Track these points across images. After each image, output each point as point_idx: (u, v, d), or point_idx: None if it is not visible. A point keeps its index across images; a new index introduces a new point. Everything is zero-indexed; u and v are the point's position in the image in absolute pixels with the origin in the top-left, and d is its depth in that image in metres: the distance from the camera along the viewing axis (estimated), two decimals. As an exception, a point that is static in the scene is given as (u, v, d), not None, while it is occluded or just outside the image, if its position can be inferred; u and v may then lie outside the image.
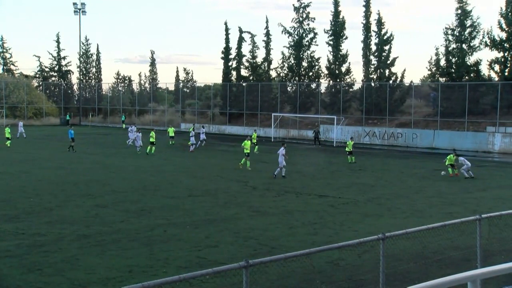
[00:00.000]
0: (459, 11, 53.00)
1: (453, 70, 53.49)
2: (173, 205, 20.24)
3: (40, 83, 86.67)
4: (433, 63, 54.73)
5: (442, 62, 54.56)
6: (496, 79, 51.29)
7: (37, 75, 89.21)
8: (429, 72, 56.45)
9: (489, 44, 51.29)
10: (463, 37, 52.98)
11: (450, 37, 53.71)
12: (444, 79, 54.52)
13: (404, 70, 71.05)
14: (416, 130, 49.40)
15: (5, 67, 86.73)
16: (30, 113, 77.95)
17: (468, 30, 52.90)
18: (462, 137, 45.80)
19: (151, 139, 38.75)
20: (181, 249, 14.11)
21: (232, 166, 33.07)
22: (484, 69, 52.87)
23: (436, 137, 47.05)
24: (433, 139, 47.15)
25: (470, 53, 53.00)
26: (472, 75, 52.56)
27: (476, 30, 52.58)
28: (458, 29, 53.16)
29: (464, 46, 53.00)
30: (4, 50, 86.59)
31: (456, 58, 53.43)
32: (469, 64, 52.92)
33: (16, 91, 77.55)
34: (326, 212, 19.48)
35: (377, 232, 10.15)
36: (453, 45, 53.72)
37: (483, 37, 51.96)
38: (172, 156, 38.30)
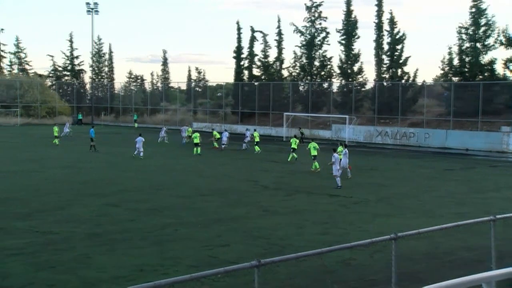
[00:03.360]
0: (474, 10, 52.53)
1: (466, 70, 53.06)
2: (184, 204, 20.26)
3: (53, 83, 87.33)
4: (446, 63, 54.32)
5: (455, 62, 54.12)
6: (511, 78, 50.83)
7: (50, 75, 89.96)
8: (442, 72, 56.05)
9: (504, 42, 50.75)
10: (477, 35, 52.50)
11: (464, 36, 53.24)
12: (457, 78, 54.11)
13: (417, 70, 70.44)
14: (428, 129, 49.08)
15: (20, 67, 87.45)
16: (43, 112, 78.48)
17: (482, 28, 52.39)
18: (475, 137, 45.43)
19: (195, 140, 38.52)
20: (192, 248, 14.12)
21: (242, 165, 33.06)
22: (499, 68, 52.38)
23: (449, 137, 46.72)
24: (445, 139, 46.82)
25: (484, 52, 52.49)
26: (486, 74, 52.09)
27: (491, 29, 52.05)
28: (472, 28, 52.67)
29: (478, 45, 52.52)
30: (19, 50, 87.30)
31: (470, 57, 52.98)
32: (483, 63, 52.46)
33: (30, 90, 78.16)
34: (337, 211, 19.41)
35: (387, 232, 10.09)
36: (467, 44, 53.25)
37: (498, 36, 51.47)
38: (181, 155, 38.35)
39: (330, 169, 26.06)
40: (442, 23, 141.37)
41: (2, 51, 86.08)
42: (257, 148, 40.54)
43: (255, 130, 44.39)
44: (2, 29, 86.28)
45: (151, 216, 18.03)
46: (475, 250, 13.56)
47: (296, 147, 35.42)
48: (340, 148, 28.38)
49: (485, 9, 52.34)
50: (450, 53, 54.00)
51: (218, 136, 45.25)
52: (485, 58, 52.56)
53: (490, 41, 52.20)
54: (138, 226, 16.51)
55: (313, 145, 31.27)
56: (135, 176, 27.83)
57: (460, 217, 17.06)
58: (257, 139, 41.09)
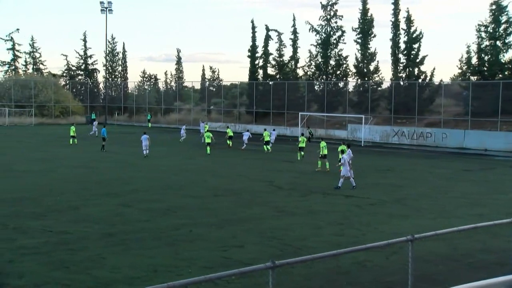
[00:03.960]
0: (494, 7, 52.04)
1: (485, 68, 52.60)
2: (198, 205, 20.32)
3: (67, 82, 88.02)
4: (464, 61, 53.90)
5: (474, 60, 53.69)
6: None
7: (64, 74, 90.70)
8: (460, 71, 55.63)
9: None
10: (497, 33, 51.98)
11: (483, 34, 52.73)
12: (475, 77, 53.66)
13: (434, 69, 70.12)
14: (445, 129, 48.71)
15: (34, 67, 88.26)
16: (57, 111, 79.19)
17: (503, 26, 51.90)
18: (494, 137, 44.99)
19: (207, 140, 39.38)
20: (206, 249, 14.16)
21: (256, 165, 33.08)
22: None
23: (467, 137, 46.32)
24: (463, 139, 46.42)
25: (504, 50, 51.98)
26: (506, 73, 51.57)
27: (512, 26, 51.54)
28: (492, 26, 52.18)
29: (498, 43, 52.04)
30: (34, 50, 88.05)
31: (489, 56, 52.52)
32: (503, 61, 51.97)
33: (44, 90, 78.89)
34: (352, 212, 19.36)
35: (403, 233, 10.05)
36: (486, 42, 52.76)
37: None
38: (195, 155, 38.46)
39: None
40: (460, 21, 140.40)
41: (17, 51, 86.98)
42: (265, 147, 41.20)
43: (265, 129, 44.65)
44: (18, 29, 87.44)
45: (164, 217, 18.12)
46: (495, 253, 13.44)
47: (304, 146, 36.38)
48: (341, 147, 28.42)
49: (506, 6, 51.80)
50: (468, 52, 53.58)
51: (231, 133, 45.66)
52: (505, 57, 52.11)
53: (511, 39, 51.71)
54: (152, 227, 16.59)
55: (323, 144, 31.49)
56: (148, 176, 27.97)
57: (479, 218, 16.96)
58: (267, 139, 41.77)
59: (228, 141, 45.15)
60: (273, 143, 43.96)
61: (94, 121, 60.77)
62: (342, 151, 26.88)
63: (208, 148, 39.19)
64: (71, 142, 45.17)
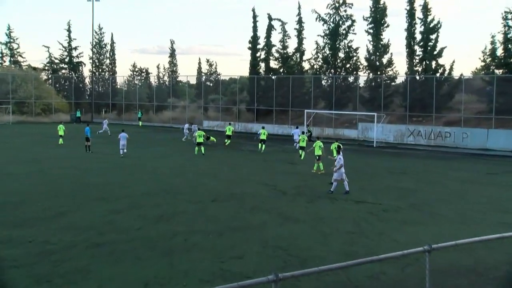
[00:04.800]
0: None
1: (512, 60, 52.57)
2: (195, 211, 20.37)
3: (49, 76, 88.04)
4: (487, 53, 53.90)
5: (499, 52, 53.64)
6: None
7: (46, 68, 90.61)
8: (483, 64, 55.59)
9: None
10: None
11: (510, 22, 52.70)
12: (500, 71, 53.61)
13: (453, 62, 69.49)
14: (466, 129, 48.73)
15: (12, 59, 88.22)
16: (38, 109, 79.17)
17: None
18: (522, 137, 45.03)
19: (199, 139, 40.05)
20: (204, 260, 14.20)
21: (260, 167, 33.15)
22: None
23: (490, 136, 46.36)
24: (486, 139, 46.46)
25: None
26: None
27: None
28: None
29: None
30: (11, 40, 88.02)
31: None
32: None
33: (23, 85, 78.77)
34: (364, 219, 19.39)
35: (421, 243, 10.08)
36: (514, 31, 52.76)
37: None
38: (194, 156, 38.54)
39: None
40: (483, 8, 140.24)
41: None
42: (260, 146, 42.50)
43: (263, 127, 45.44)
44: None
45: (158, 224, 18.16)
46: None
47: (305, 145, 37.54)
48: (333, 145, 29.51)
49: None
50: (493, 43, 53.59)
51: (229, 132, 47.28)
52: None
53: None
54: (144, 235, 16.64)
55: (318, 144, 32.04)
56: (142, 179, 28.06)
57: (505, 227, 16.98)
58: (263, 137, 42.79)
59: (226, 140, 46.73)
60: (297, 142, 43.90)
61: (105, 120, 61.96)
62: (339, 151, 26.79)
63: (198, 148, 39.61)
64: (60, 142, 45.31)
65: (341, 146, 29.19)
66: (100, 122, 75.37)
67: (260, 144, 42.82)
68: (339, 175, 24.66)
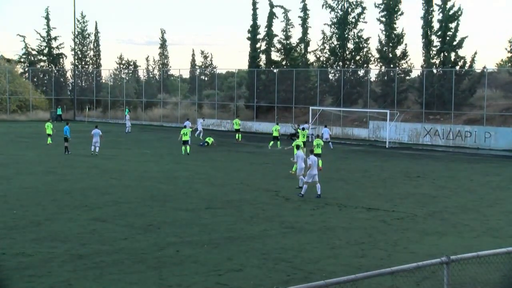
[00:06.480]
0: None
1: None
2: (188, 220, 20.38)
3: (26, 70, 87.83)
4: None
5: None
6: None
7: (22, 60, 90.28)
8: (509, 55, 55.60)
9: None
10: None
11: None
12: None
13: (475, 53, 69.20)
14: (490, 127, 48.74)
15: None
16: (13, 106, 79.02)
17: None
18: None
19: (185, 138, 40.78)
20: (197, 274, 14.21)
21: (260, 171, 33.16)
22: None
23: (518, 136, 46.39)
24: (513, 138, 46.48)
25: None
26: None
27: None
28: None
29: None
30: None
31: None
32: None
33: (-4, 79, 78.72)
34: (376, 229, 19.40)
35: (439, 254, 10.06)
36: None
37: None
38: (187, 159, 38.56)
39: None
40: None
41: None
42: (273, 143, 44.62)
43: (277, 123, 48.46)
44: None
45: (148, 234, 18.16)
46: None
47: (304, 140, 38.97)
48: (297, 143, 31.10)
49: None
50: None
51: (237, 126, 51.30)
52: None
53: None
54: (132, 246, 16.64)
55: (317, 142, 32.44)
56: (129, 184, 28.06)
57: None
58: (275, 134, 45.22)
59: (237, 135, 51.09)
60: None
61: (127, 116, 63.69)
62: (311, 151, 27.08)
63: (184, 148, 40.43)
64: (49, 142, 45.34)
65: (301, 144, 31.34)
66: (82, 120, 75.49)
67: (271, 142, 44.86)
68: (307, 177, 25.08)
